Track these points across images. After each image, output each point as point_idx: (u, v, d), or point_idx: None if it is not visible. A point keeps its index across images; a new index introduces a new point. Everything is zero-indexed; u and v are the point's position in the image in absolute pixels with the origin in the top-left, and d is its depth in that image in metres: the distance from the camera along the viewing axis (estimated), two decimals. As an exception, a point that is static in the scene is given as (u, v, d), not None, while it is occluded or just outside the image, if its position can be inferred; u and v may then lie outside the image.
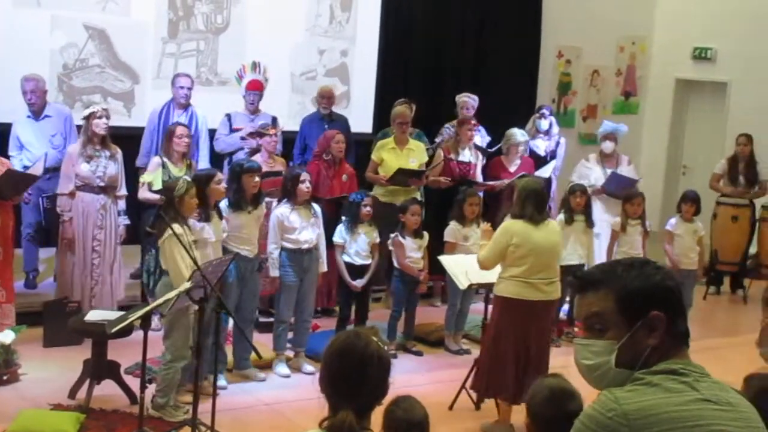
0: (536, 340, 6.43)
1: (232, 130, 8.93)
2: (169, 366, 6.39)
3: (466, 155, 9.41)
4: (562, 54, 13.03)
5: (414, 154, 9.15)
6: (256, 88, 9.03)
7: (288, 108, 10.36)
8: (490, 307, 6.96)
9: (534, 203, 6.42)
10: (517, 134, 9.69)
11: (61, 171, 7.82)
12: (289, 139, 9.33)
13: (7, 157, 7.95)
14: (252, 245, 7.18)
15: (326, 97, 9.58)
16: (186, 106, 8.71)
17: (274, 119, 8.96)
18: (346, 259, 7.91)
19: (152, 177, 7.78)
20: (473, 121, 9.64)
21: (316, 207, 7.62)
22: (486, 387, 6.63)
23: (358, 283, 7.92)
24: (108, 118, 7.78)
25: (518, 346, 6.39)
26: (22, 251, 8.46)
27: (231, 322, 7.02)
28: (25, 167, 7.87)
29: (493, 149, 10.02)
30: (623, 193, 9.15)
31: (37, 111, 8.34)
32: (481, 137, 10.09)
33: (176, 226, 6.03)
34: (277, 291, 7.65)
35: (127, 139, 8.58)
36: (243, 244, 7.08)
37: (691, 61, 13.36)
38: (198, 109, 8.79)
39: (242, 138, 8.78)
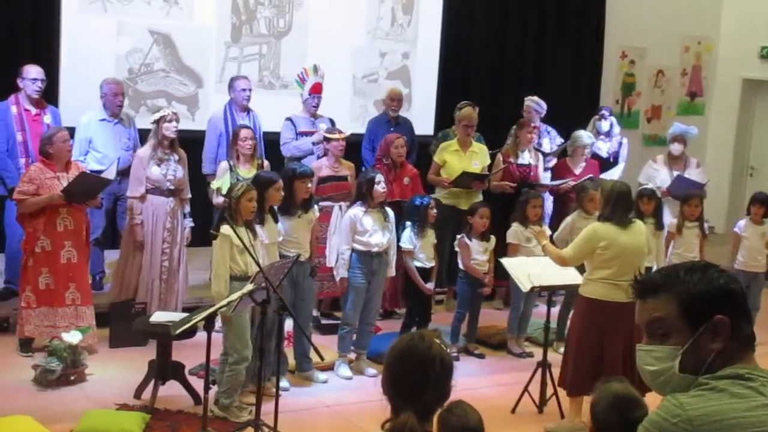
0: (629, 341, 6.19)
1: (298, 134, 8.97)
2: (232, 368, 6.45)
3: (525, 158, 9.35)
4: (626, 54, 12.89)
5: (477, 157, 9.12)
6: (319, 91, 9.06)
7: (349, 111, 10.40)
8: (553, 309, 6.91)
9: (622, 206, 6.44)
10: (584, 136, 9.62)
11: (131, 174, 7.87)
12: (349, 142, 9.32)
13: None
14: (303, 249, 7.16)
15: (396, 100, 9.61)
16: (247, 109, 8.78)
17: (332, 122, 8.99)
18: (417, 264, 7.86)
19: (221, 182, 7.82)
20: (533, 124, 9.59)
21: (390, 212, 7.62)
22: (569, 385, 6.60)
23: (430, 287, 7.93)
24: (177, 121, 7.82)
25: (603, 347, 6.34)
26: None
27: (289, 324, 7.07)
28: (93, 171, 7.90)
29: (553, 151, 9.95)
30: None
31: (117, 114, 8.43)
32: (550, 140, 10.04)
33: (226, 228, 6.13)
34: (344, 292, 7.68)
35: (191, 143, 8.70)
36: (293, 247, 7.07)
37: (759, 61, 13.12)
38: (256, 112, 8.85)
39: (314, 143, 8.81)
